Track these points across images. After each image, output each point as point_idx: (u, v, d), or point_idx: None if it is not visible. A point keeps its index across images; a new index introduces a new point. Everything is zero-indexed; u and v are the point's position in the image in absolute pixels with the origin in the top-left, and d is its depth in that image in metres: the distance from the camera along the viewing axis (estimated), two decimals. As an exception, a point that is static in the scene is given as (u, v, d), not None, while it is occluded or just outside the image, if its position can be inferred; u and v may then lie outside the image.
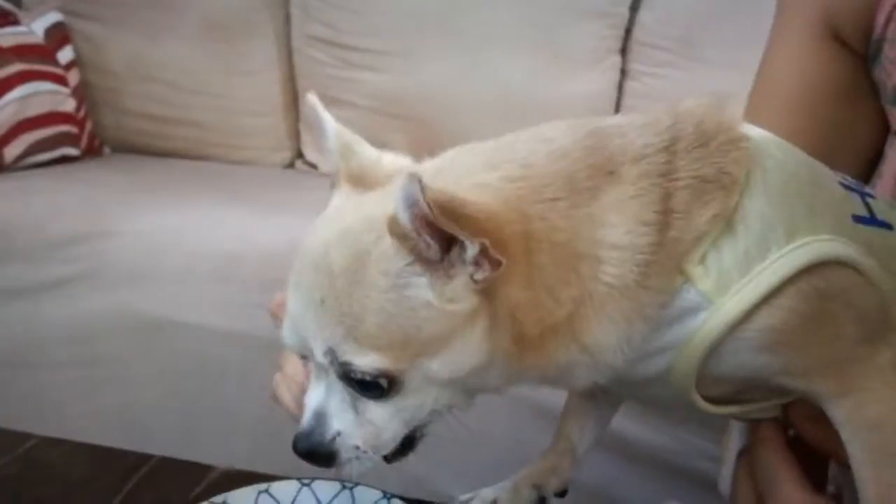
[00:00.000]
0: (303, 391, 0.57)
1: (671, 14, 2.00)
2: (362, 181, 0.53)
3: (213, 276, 1.52)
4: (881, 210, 0.54)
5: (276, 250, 1.50)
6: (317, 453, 0.51)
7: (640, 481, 1.31)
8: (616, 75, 2.05)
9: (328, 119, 0.56)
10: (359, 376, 0.47)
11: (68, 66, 2.09)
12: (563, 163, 0.48)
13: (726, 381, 0.51)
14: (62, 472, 0.70)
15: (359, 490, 0.60)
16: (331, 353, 0.48)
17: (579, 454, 0.63)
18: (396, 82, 1.97)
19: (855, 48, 0.77)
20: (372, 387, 0.48)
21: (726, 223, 0.47)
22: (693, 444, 1.28)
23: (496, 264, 0.45)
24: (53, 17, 2.10)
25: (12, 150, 1.93)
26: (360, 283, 0.47)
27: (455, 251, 0.46)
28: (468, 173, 0.48)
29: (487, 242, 0.44)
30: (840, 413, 0.50)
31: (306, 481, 0.60)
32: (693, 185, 0.47)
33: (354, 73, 2.05)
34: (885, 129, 0.78)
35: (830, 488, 0.63)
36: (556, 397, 0.65)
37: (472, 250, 0.45)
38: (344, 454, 0.50)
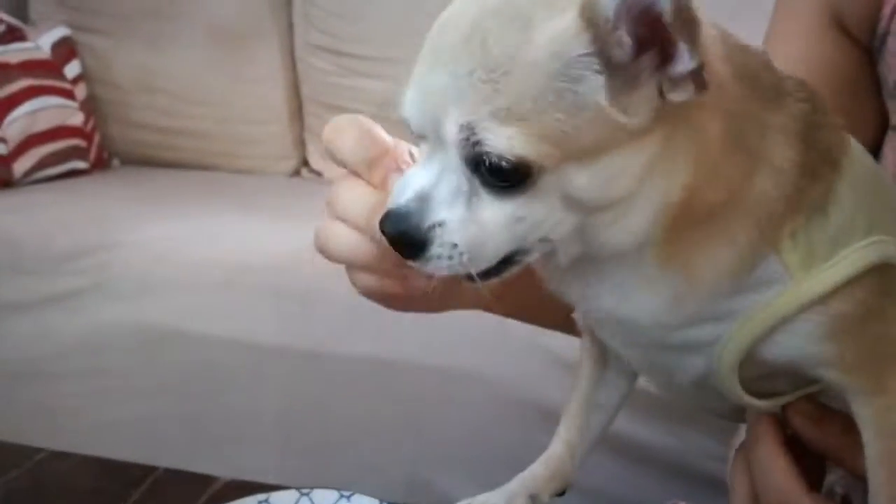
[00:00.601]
0: (359, 240, 0.50)
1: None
2: None
3: (220, 286, 1.53)
4: None
5: (282, 259, 1.52)
6: (409, 237, 0.44)
7: (645, 481, 1.32)
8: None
9: None
10: (494, 159, 0.41)
11: (75, 81, 2.11)
12: (754, 61, 0.46)
13: (760, 365, 0.49)
14: (70, 484, 0.71)
15: (356, 498, 0.60)
16: (468, 128, 0.42)
17: (579, 458, 0.64)
18: (399, 89, 1.97)
19: (859, 40, 0.76)
20: (503, 176, 0.42)
21: (822, 202, 0.46)
22: (699, 443, 1.28)
23: (702, 87, 0.41)
24: (60, 31, 2.13)
25: (22, 165, 1.95)
26: (522, 60, 0.41)
27: (645, 60, 0.41)
28: None
29: (707, 61, 0.40)
30: (867, 411, 0.49)
31: (305, 490, 0.61)
32: (821, 150, 0.46)
33: (357, 80, 2.06)
34: (885, 125, 0.78)
35: (839, 490, 0.63)
36: (560, 399, 0.65)
37: (687, 63, 0.40)
38: (436, 248, 0.44)
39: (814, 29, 0.77)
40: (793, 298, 0.46)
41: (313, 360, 1.45)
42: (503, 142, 0.41)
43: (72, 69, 2.12)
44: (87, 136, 2.11)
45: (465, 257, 0.44)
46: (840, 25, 0.77)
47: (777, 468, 0.53)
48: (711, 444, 1.26)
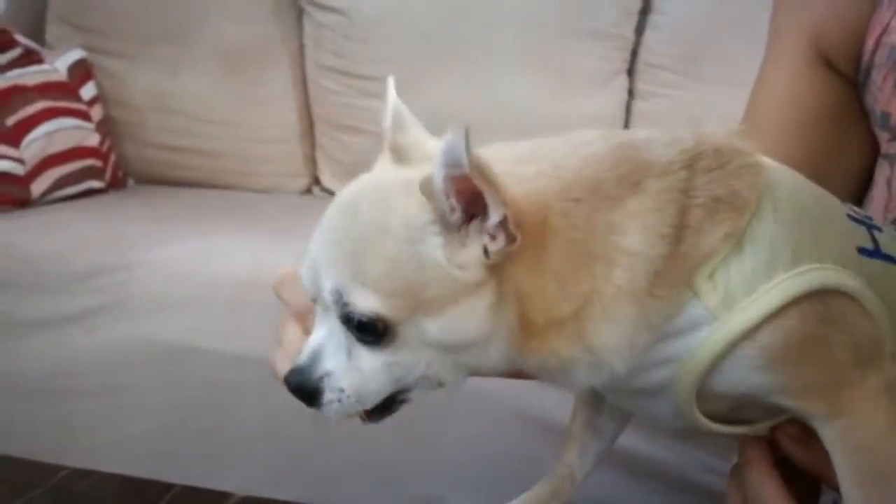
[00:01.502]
0: None
1: (677, 35, 2.02)
2: (404, 156, 0.56)
3: (233, 304, 1.55)
4: (887, 244, 0.56)
5: (293, 277, 1.54)
6: (304, 389, 0.52)
7: (645, 496, 1.32)
8: (624, 96, 2.08)
9: (391, 97, 0.58)
10: (357, 317, 0.49)
11: (91, 102, 2.15)
12: (593, 169, 0.50)
13: (723, 398, 0.52)
14: (91, 501, 0.74)
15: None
16: (337, 292, 0.50)
17: (579, 478, 0.66)
18: (408, 108, 2.00)
19: (845, 73, 0.78)
20: (368, 331, 0.50)
21: (736, 243, 0.49)
22: (699, 458, 1.29)
23: (511, 239, 0.47)
24: (76, 54, 2.16)
25: (39, 186, 1.98)
26: (379, 232, 0.49)
27: (474, 224, 0.48)
28: (502, 162, 0.49)
29: (509, 215, 0.47)
30: (831, 434, 0.52)
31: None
32: (707, 204, 0.49)
33: (366, 100, 2.09)
34: (875, 153, 0.80)
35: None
36: (565, 414, 0.67)
37: (493, 217, 0.47)
38: (328, 394, 0.52)
39: (801, 64, 0.80)
40: (719, 337, 0.49)
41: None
42: (361, 301, 0.49)
43: (87, 91, 2.15)
44: (103, 157, 2.14)
45: (352, 399, 0.52)
46: (826, 60, 0.79)
47: (768, 490, 0.55)
48: (711, 459, 1.27)
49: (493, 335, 0.50)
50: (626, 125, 2.07)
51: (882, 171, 0.78)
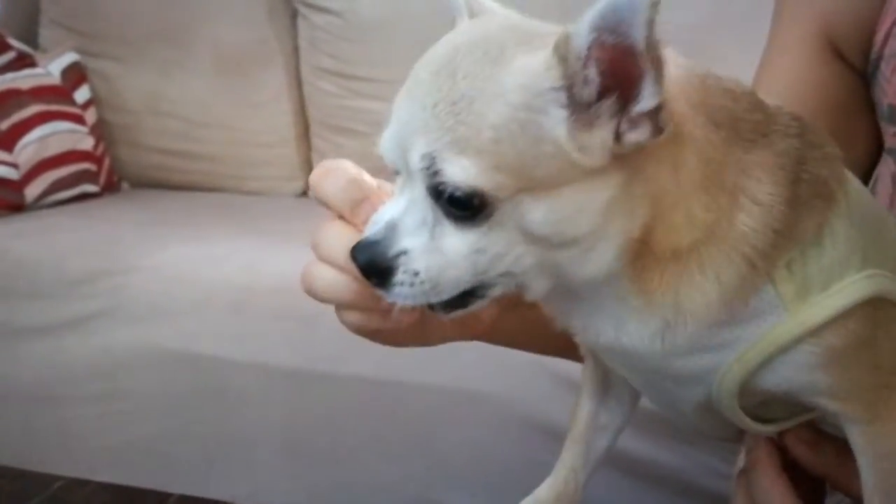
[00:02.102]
0: (341, 279, 0.51)
1: (673, 37, 2.02)
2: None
3: (230, 308, 1.55)
4: None
5: (290, 281, 1.53)
6: (376, 265, 0.46)
7: (650, 499, 1.32)
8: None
9: None
10: (450, 189, 0.43)
11: (85, 106, 2.14)
12: (732, 103, 0.46)
13: (760, 393, 0.50)
14: (88, 511, 0.73)
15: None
16: (429, 158, 0.43)
17: (583, 480, 0.65)
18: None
19: (853, 64, 0.77)
20: (461, 206, 0.43)
21: (817, 233, 0.47)
22: (704, 462, 1.29)
23: (658, 131, 0.42)
24: (69, 57, 2.16)
25: (33, 190, 1.98)
26: (487, 91, 0.43)
27: (607, 103, 0.42)
28: None
29: (665, 103, 0.41)
30: (862, 439, 0.51)
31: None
32: (812, 182, 0.47)
33: (362, 102, 2.08)
34: (880, 147, 0.79)
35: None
36: (567, 418, 0.66)
37: (647, 102, 0.41)
38: (400, 275, 0.45)
39: (809, 54, 0.78)
40: (788, 329, 0.47)
41: (323, 381, 1.47)
42: (458, 172, 0.42)
43: (81, 94, 2.15)
44: (97, 160, 2.13)
45: (426, 286, 0.45)
46: (835, 50, 0.77)
47: (776, 493, 0.54)
48: (716, 462, 1.26)
49: (605, 237, 0.44)
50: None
51: (887, 166, 0.77)
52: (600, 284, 0.47)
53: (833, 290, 0.47)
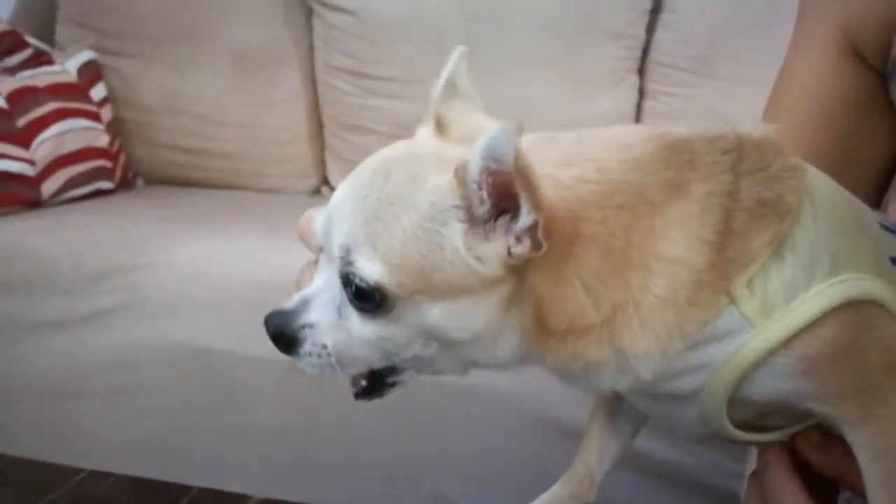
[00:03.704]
0: None
1: (687, 34, 2.02)
2: (445, 129, 0.55)
3: (245, 304, 1.56)
4: None
5: (304, 278, 1.54)
6: (282, 334, 0.51)
7: (662, 498, 1.32)
8: (635, 95, 2.07)
9: (451, 66, 0.57)
10: (357, 280, 0.48)
11: (101, 103, 2.15)
12: (637, 174, 0.49)
13: (751, 405, 0.52)
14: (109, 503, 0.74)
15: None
16: (345, 248, 0.48)
17: (598, 478, 0.65)
18: (417, 108, 2.00)
19: (873, 64, 0.77)
20: (364, 297, 0.48)
21: (775, 249, 0.48)
22: (716, 461, 1.29)
23: (537, 247, 0.46)
24: (86, 55, 2.17)
25: (50, 186, 1.99)
26: (405, 201, 0.48)
27: (501, 222, 0.47)
28: (546, 162, 0.48)
29: (541, 222, 0.45)
30: (860, 439, 0.51)
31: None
32: (752, 208, 0.48)
33: (375, 100, 2.09)
34: None
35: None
36: (580, 416, 0.67)
37: (525, 220, 0.46)
38: (308, 346, 0.50)
39: (830, 54, 0.79)
40: (755, 346, 0.48)
41: (336, 378, 1.47)
42: (367, 266, 0.47)
43: (98, 92, 2.16)
44: (113, 157, 2.15)
45: (332, 359, 0.50)
46: (855, 52, 0.78)
47: (788, 494, 0.55)
48: (728, 461, 1.26)
49: (503, 332, 0.49)
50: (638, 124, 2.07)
51: None
52: (526, 364, 0.51)
53: (798, 301, 0.48)
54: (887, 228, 0.56)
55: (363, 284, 0.48)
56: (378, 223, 0.48)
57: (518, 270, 0.48)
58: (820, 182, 0.52)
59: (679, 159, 0.49)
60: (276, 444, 1.51)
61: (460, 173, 0.46)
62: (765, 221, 0.48)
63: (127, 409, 1.58)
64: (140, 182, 2.29)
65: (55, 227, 1.80)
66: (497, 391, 1.40)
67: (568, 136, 0.52)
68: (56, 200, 2.01)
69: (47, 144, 1.99)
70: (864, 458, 0.51)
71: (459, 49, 0.57)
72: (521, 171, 0.44)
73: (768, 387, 0.49)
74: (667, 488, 1.33)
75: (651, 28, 2.06)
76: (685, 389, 0.51)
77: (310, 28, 2.20)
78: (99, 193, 2.09)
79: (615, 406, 0.65)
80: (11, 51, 2.05)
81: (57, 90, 2.05)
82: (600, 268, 0.48)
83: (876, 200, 0.80)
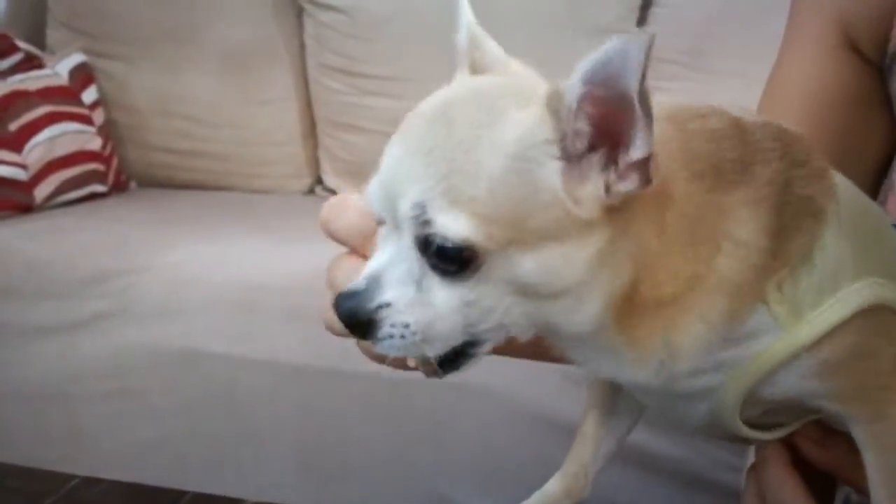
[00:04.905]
0: None
1: (678, 28, 2.01)
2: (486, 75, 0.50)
3: (239, 307, 1.56)
4: None
5: (299, 279, 1.54)
6: (357, 318, 0.45)
7: (662, 494, 1.32)
8: (627, 89, 2.07)
9: (464, 12, 0.52)
10: (440, 241, 0.42)
11: (93, 106, 2.15)
12: (713, 145, 0.46)
13: (761, 404, 0.51)
14: (103, 510, 0.74)
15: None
16: (420, 207, 0.42)
17: (592, 476, 0.65)
18: (409, 106, 2.00)
19: (870, 58, 0.76)
20: (449, 259, 0.43)
21: (806, 252, 0.47)
22: (716, 455, 1.29)
23: (647, 181, 0.42)
24: (77, 58, 2.16)
25: (42, 191, 1.99)
26: (483, 141, 0.42)
27: (597, 156, 0.43)
28: None
29: (654, 153, 0.41)
30: (866, 437, 0.51)
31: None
32: (797, 204, 0.47)
33: (368, 99, 2.09)
34: None
35: (854, 498, 0.64)
36: (577, 413, 0.66)
37: (637, 152, 0.41)
38: (387, 328, 0.44)
39: (825, 48, 0.78)
40: (783, 347, 0.47)
41: (332, 378, 1.47)
42: (450, 223, 0.42)
43: (89, 95, 2.15)
44: (106, 160, 2.14)
45: (417, 337, 0.44)
46: (852, 45, 0.77)
47: (787, 489, 0.54)
48: (726, 455, 1.27)
49: (591, 290, 0.44)
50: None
51: None
52: (587, 337, 0.47)
53: (825, 306, 0.47)
54: None
55: (448, 244, 0.42)
56: (455, 175, 0.42)
57: (615, 221, 0.43)
58: (842, 185, 0.51)
59: (744, 138, 0.47)
60: (271, 447, 1.51)
61: (554, 102, 0.42)
62: (804, 221, 0.47)
63: (121, 413, 1.58)
64: (133, 185, 2.28)
65: (48, 232, 1.80)
66: (492, 388, 1.40)
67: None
68: (49, 205, 2.00)
69: (39, 148, 1.98)
70: (869, 455, 0.51)
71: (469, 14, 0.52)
72: (646, 92, 0.40)
73: (785, 387, 0.49)
74: (666, 483, 1.33)
75: (641, 22, 2.05)
76: (702, 388, 0.49)
77: (301, 27, 2.20)
78: (92, 197, 2.09)
79: (610, 402, 0.65)
80: (2, 55, 2.05)
81: (48, 94, 2.04)
82: (680, 233, 0.45)
83: (872, 196, 0.79)
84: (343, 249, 0.53)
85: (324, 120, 2.20)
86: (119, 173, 2.21)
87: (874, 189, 0.80)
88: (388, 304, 0.44)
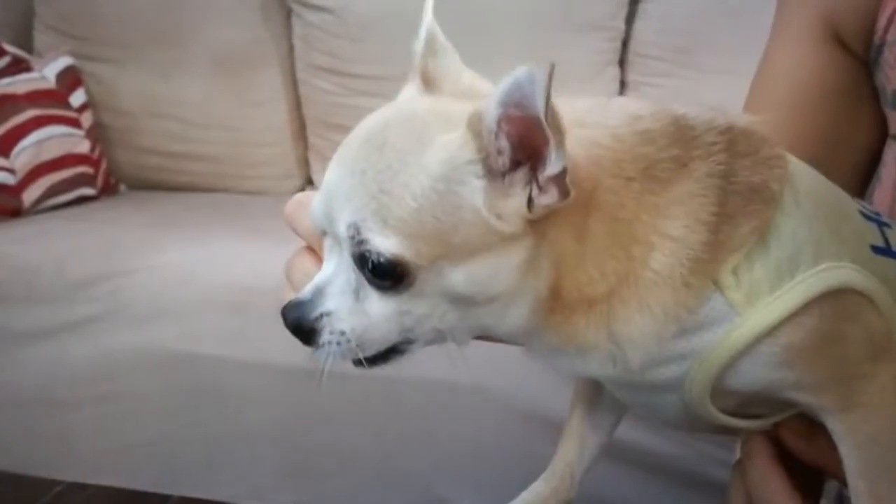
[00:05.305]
0: None
1: (667, 25, 2.02)
2: (435, 86, 0.52)
3: (230, 309, 1.55)
4: None
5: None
6: (301, 326, 0.48)
7: (652, 489, 1.33)
8: (616, 87, 2.07)
9: (428, 16, 0.54)
10: (374, 258, 0.45)
11: (81, 109, 2.14)
12: (648, 148, 0.48)
13: (734, 395, 0.51)
14: (89, 515, 0.73)
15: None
16: (354, 227, 0.46)
17: (579, 475, 0.65)
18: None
19: (856, 51, 0.77)
20: (383, 274, 0.46)
21: (760, 237, 0.48)
22: (706, 451, 1.29)
23: (565, 194, 0.44)
24: (64, 61, 2.15)
25: (31, 195, 1.98)
26: (411, 165, 0.45)
27: (519, 174, 0.45)
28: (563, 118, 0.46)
29: (569, 167, 0.43)
30: (841, 427, 0.51)
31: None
32: (744, 192, 0.48)
33: (357, 99, 2.09)
34: (884, 134, 0.78)
35: (847, 493, 0.64)
36: (567, 409, 0.67)
37: (553, 167, 0.44)
38: (326, 335, 0.48)
39: (812, 43, 0.78)
40: (741, 334, 0.48)
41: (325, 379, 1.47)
42: (382, 241, 0.45)
43: (77, 98, 2.14)
44: (94, 163, 2.13)
45: (352, 344, 0.48)
46: (837, 38, 0.77)
47: (771, 483, 0.55)
48: (715, 450, 1.27)
49: (518, 296, 0.47)
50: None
51: (892, 152, 0.77)
52: (523, 336, 0.49)
53: (783, 290, 0.48)
54: (867, 216, 0.56)
55: (381, 260, 0.45)
56: (384, 196, 0.45)
57: (537, 231, 0.46)
58: (801, 171, 0.52)
59: (683, 136, 0.49)
60: (264, 448, 1.51)
61: (475, 124, 0.44)
62: (752, 207, 0.48)
63: (111, 417, 1.57)
64: (123, 187, 2.28)
65: (37, 236, 1.79)
66: (484, 387, 1.40)
67: (581, 100, 0.50)
68: (38, 209, 2.00)
69: (27, 152, 1.98)
70: (844, 447, 0.51)
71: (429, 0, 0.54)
72: (553, 112, 0.42)
73: (751, 376, 0.49)
74: (654, 478, 1.33)
75: (630, 19, 2.06)
76: (667, 378, 0.50)
77: (289, 28, 2.20)
78: (81, 200, 2.08)
79: (594, 400, 0.65)
80: (-11, 59, 2.04)
81: (36, 97, 2.04)
82: (607, 236, 0.47)
83: (860, 188, 0.79)
84: (301, 244, 0.55)
85: (313, 120, 2.20)
86: (108, 176, 2.20)
87: (861, 181, 0.80)
88: (328, 313, 0.48)
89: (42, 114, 2.03)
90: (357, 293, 0.48)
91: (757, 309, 0.47)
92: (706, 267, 0.47)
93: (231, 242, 1.72)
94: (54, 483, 0.76)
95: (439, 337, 0.49)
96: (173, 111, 2.21)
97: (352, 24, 2.10)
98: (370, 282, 0.47)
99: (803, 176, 0.51)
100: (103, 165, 2.18)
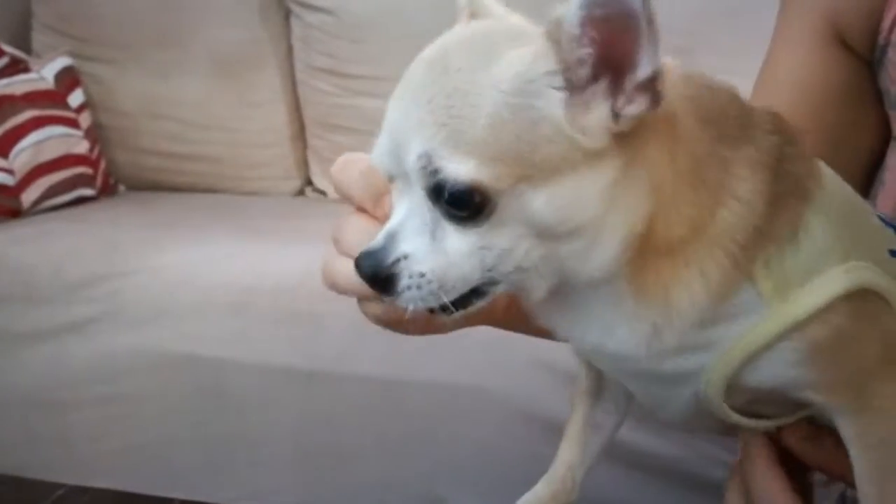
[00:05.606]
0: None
1: (667, 24, 2.01)
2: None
3: (230, 309, 1.55)
4: None
5: (291, 281, 1.54)
6: (377, 274, 0.45)
7: (652, 491, 1.32)
8: (617, 87, 2.07)
9: None
10: (450, 186, 0.42)
11: (79, 109, 2.14)
12: (721, 102, 0.46)
13: (747, 391, 0.51)
14: (90, 518, 0.73)
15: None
16: (426, 157, 0.43)
17: (580, 478, 0.65)
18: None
19: (860, 52, 0.76)
20: (461, 204, 0.43)
21: (792, 230, 0.47)
22: (707, 452, 1.29)
23: (656, 101, 0.41)
24: (62, 62, 2.15)
25: (30, 195, 1.98)
26: (480, 83, 0.42)
27: (602, 83, 0.42)
28: None
29: (663, 71, 0.41)
30: (853, 429, 0.51)
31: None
32: (790, 179, 0.47)
33: (357, 99, 2.08)
34: (887, 136, 0.78)
35: (850, 494, 0.64)
36: (567, 413, 0.66)
37: (644, 70, 0.41)
38: (405, 280, 0.44)
39: (815, 43, 0.78)
40: (770, 327, 0.47)
41: (324, 380, 1.47)
42: (457, 167, 0.42)
43: (75, 98, 2.14)
44: (93, 164, 2.13)
45: (433, 285, 0.44)
46: (840, 39, 0.77)
47: (772, 486, 0.54)
48: (717, 451, 1.27)
49: (608, 227, 0.44)
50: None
51: (894, 155, 0.77)
52: (600, 284, 0.46)
53: (813, 286, 0.47)
54: (884, 221, 0.56)
55: (458, 188, 0.42)
56: (454, 121, 0.42)
57: (626, 151, 0.43)
58: (828, 173, 0.52)
59: (743, 108, 0.47)
60: (264, 450, 1.51)
61: (554, 30, 0.41)
62: (791, 200, 0.47)
63: (112, 419, 1.57)
64: (122, 188, 2.28)
65: (36, 237, 1.79)
66: (485, 389, 1.39)
67: None
68: (37, 209, 1.99)
69: (26, 153, 1.98)
70: (854, 449, 0.51)
71: None
72: (648, 10, 0.39)
73: (770, 372, 0.49)
74: (655, 479, 1.33)
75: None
76: (687, 368, 0.49)
77: (288, 29, 2.19)
78: (80, 201, 2.08)
79: (596, 400, 0.65)
80: (-14, 60, 2.04)
81: (34, 98, 2.03)
82: (685, 172, 0.44)
83: (863, 191, 0.79)
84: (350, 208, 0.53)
85: (312, 121, 2.20)
86: (107, 177, 2.20)
87: (865, 184, 0.80)
88: (405, 256, 0.45)
89: (40, 114, 2.02)
90: (434, 233, 0.44)
91: (786, 302, 0.46)
92: (755, 246, 0.46)
93: (230, 243, 1.72)
94: (55, 486, 0.76)
95: (521, 281, 0.46)
96: (172, 112, 2.20)
97: (351, 25, 2.09)
98: (447, 215, 0.44)
99: (830, 178, 0.51)
100: (102, 166, 2.18)
